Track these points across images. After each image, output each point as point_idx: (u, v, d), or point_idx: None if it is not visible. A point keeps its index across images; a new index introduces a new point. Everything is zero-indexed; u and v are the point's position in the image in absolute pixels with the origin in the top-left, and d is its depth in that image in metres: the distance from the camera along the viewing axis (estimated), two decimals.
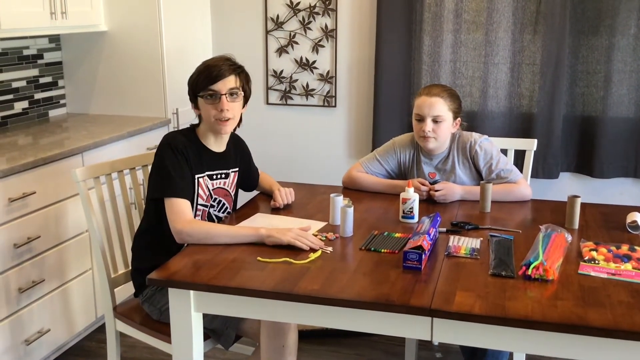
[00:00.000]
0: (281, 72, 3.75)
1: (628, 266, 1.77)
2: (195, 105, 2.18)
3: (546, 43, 3.28)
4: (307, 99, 3.75)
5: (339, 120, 3.76)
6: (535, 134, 3.33)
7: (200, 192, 2.17)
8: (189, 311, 1.77)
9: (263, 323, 2.00)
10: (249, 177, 2.43)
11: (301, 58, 3.70)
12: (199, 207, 2.16)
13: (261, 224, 2.15)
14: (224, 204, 2.25)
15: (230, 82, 2.12)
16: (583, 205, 2.22)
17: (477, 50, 3.41)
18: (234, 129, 2.28)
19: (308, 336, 2.92)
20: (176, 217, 2.02)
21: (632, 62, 3.22)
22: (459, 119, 2.49)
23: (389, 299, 1.62)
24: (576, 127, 3.38)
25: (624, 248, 1.89)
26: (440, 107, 2.41)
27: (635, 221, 2.11)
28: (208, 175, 2.19)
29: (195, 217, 2.14)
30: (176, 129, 3.01)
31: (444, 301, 1.60)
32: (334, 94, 3.71)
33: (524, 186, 2.43)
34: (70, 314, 2.79)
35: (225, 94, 2.11)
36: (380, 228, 2.13)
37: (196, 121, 2.25)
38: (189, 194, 2.10)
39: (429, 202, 2.39)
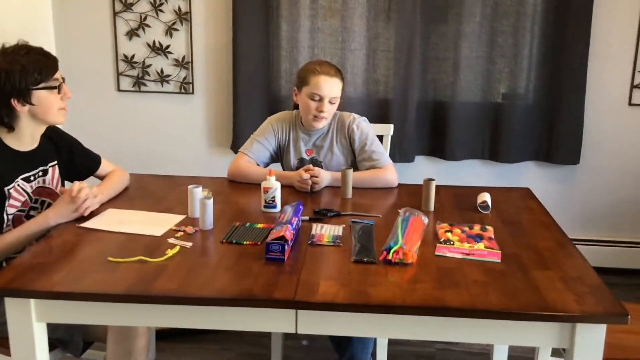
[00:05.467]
0: (133, 56, 3.53)
1: (481, 245, 1.84)
2: (26, 101, 1.96)
3: (399, 30, 3.36)
4: (162, 85, 3.57)
5: (197, 108, 3.62)
6: (391, 119, 3.41)
7: (13, 201, 1.98)
8: (29, 322, 1.59)
9: (110, 327, 1.86)
10: (81, 163, 2.25)
11: (154, 42, 3.51)
12: (9, 216, 1.98)
13: (112, 220, 2.00)
14: (49, 204, 2.07)
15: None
16: (437, 187, 2.28)
17: (334, 36, 3.42)
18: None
19: (168, 335, 2.79)
20: None
21: (478, 48, 3.38)
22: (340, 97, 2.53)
23: (252, 293, 1.55)
24: (429, 112, 3.50)
25: (476, 228, 1.97)
26: (337, 88, 2.45)
27: (485, 201, 2.21)
28: (24, 179, 2.01)
29: (6, 227, 1.96)
30: None
31: (308, 292, 1.56)
32: (190, 80, 3.56)
33: (390, 172, 2.46)
34: None
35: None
36: (242, 219, 2.06)
37: None
38: None
39: (291, 190, 2.35)
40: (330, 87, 2.42)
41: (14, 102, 1.94)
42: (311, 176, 2.36)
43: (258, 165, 2.54)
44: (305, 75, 2.47)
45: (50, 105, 1.99)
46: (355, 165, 2.53)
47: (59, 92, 2.02)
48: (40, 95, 1.97)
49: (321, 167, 2.51)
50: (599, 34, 3.34)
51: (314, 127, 2.49)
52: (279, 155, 2.60)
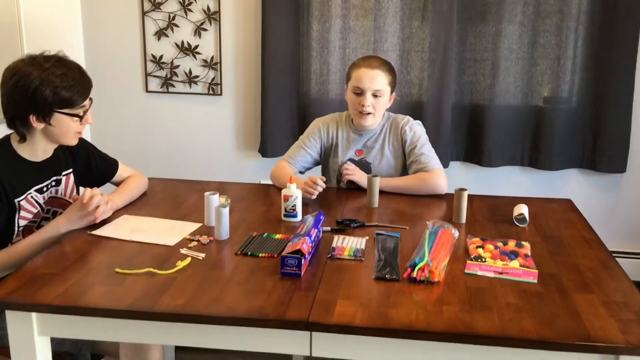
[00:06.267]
0: (161, 57, 3.47)
1: (515, 263, 1.69)
2: (44, 120, 1.87)
3: (434, 30, 3.21)
4: (190, 86, 3.50)
5: (226, 109, 3.53)
6: (426, 123, 3.24)
7: (24, 213, 1.91)
8: (31, 336, 1.52)
9: (122, 342, 1.78)
10: (97, 170, 2.17)
11: (182, 42, 3.44)
12: (20, 228, 1.91)
13: (125, 227, 1.92)
14: (61, 213, 1.98)
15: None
16: (470, 197, 2.15)
17: (367, 36, 3.29)
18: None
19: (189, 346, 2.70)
20: None
21: (518, 49, 3.21)
22: (394, 93, 2.41)
23: (263, 312, 1.44)
24: (465, 115, 3.34)
25: (511, 244, 1.82)
26: (381, 80, 2.32)
27: (522, 214, 2.05)
28: (37, 190, 1.94)
29: (15, 237, 1.90)
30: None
31: (324, 312, 1.44)
32: (219, 81, 3.48)
33: (437, 177, 2.32)
34: None
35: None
36: (260, 229, 1.95)
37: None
38: None
39: (316, 198, 2.23)
40: (370, 79, 2.30)
41: (32, 118, 1.85)
42: (345, 168, 2.34)
43: (300, 171, 2.47)
44: (349, 70, 2.40)
45: (67, 129, 1.91)
46: (406, 170, 2.43)
47: (80, 120, 1.93)
48: (60, 119, 1.88)
49: (369, 169, 2.43)
50: None
51: (361, 126, 2.39)
52: (323, 157, 2.51)
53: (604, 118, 3.20)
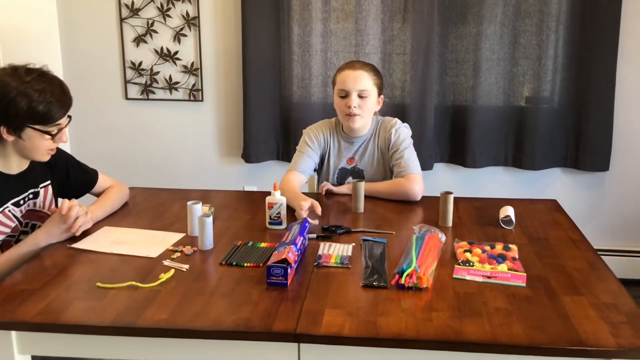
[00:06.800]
0: (140, 63, 3.42)
1: (503, 267, 1.68)
2: (15, 134, 1.82)
3: (415, 32, 3.20)
4: (170, 92, 3.46)
5: (207, 115, 3.49)
6: (409, 125, 3.24)
7: (1, 228, 1.87)
8: (11, 355, 1.47)
9: None
10: (77, 181, 2.12)
11: (162, 48, 3.39)
12: None
13: (106, 239, 1.88)
14: (40, 227, 1.93)
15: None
16: (456, 200, 2.13)
17: (348, 39, 3.28)
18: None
19: None
20: None
21: (500, 49, 3.21)
22: (382, 95, 2.40)
23: (249, 324, 1.41)
24: (448, 117, 3.34)
25: (498, 247, 1.80)
26: (366, 80, 2.31)
27: (508, 216, 2.04)
28: (14, 203, 1.89)
29: None
30: None
31: (311, 323, 1.42)
32: (200, 87, 3.44)
33: (411, 183, 2.29)
34: None
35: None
36: (245, 237, 1.92)
37: None
38: None
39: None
40: (354, 80, 2.29)
41: (3, 129, 1.80)
42: (321, 188, 2.31)
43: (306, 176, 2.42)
44: (334, 76, 2.40)
45: (38, 146, 1.87)
46: None
47: (53, 138, 1.88)
48: (32, 134, 1.83)
49: (362, 177, 2.41)
50: (628, 32, 3.14)
51: (351, 129, 2.37)
52: (319, 164, 2.48)
53: (586, 117, 3.21)
